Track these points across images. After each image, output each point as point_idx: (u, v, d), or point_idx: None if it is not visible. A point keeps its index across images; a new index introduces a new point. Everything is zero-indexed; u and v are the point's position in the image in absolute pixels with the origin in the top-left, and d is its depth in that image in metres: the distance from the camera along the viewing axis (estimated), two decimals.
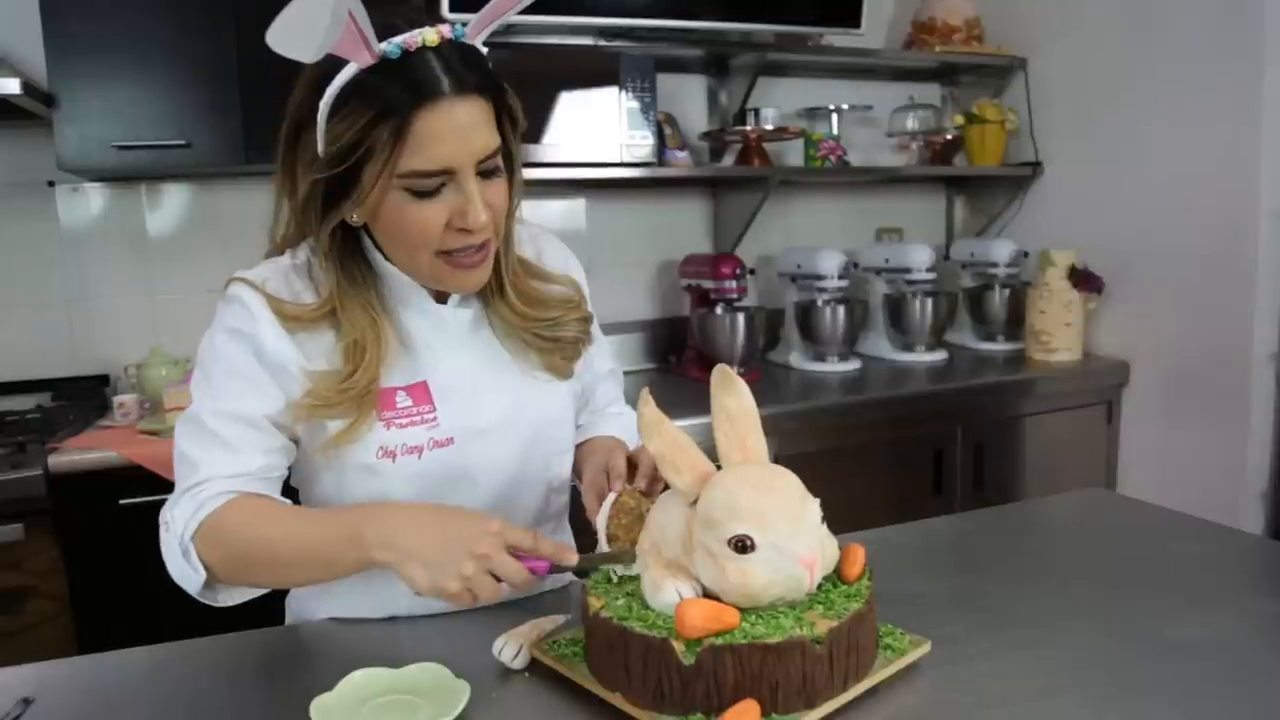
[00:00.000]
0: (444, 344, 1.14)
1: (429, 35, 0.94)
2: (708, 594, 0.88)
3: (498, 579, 0.93)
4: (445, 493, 1.12)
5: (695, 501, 0.89)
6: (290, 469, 1.14)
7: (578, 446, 1.29)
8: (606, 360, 1.37)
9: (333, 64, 0.93)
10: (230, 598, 1.08)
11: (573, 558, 0.97)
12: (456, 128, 0.95)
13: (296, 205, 1.03)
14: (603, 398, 1.38)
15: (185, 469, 1.05)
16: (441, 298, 1.15)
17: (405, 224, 0.99)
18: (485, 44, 1.02)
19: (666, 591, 0.87)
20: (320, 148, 0.98)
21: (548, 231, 1.30)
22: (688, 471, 0.90)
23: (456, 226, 0.99)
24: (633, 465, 1.17)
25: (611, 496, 1.07)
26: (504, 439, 1.16)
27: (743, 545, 0.84)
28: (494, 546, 0.92)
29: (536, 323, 1.16)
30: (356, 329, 1.05)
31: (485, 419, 1.14)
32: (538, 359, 1.18)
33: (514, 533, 0.94)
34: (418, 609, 1.13)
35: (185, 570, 1.03)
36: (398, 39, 0.93)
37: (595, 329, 1.30)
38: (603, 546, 1.05)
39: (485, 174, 1.00)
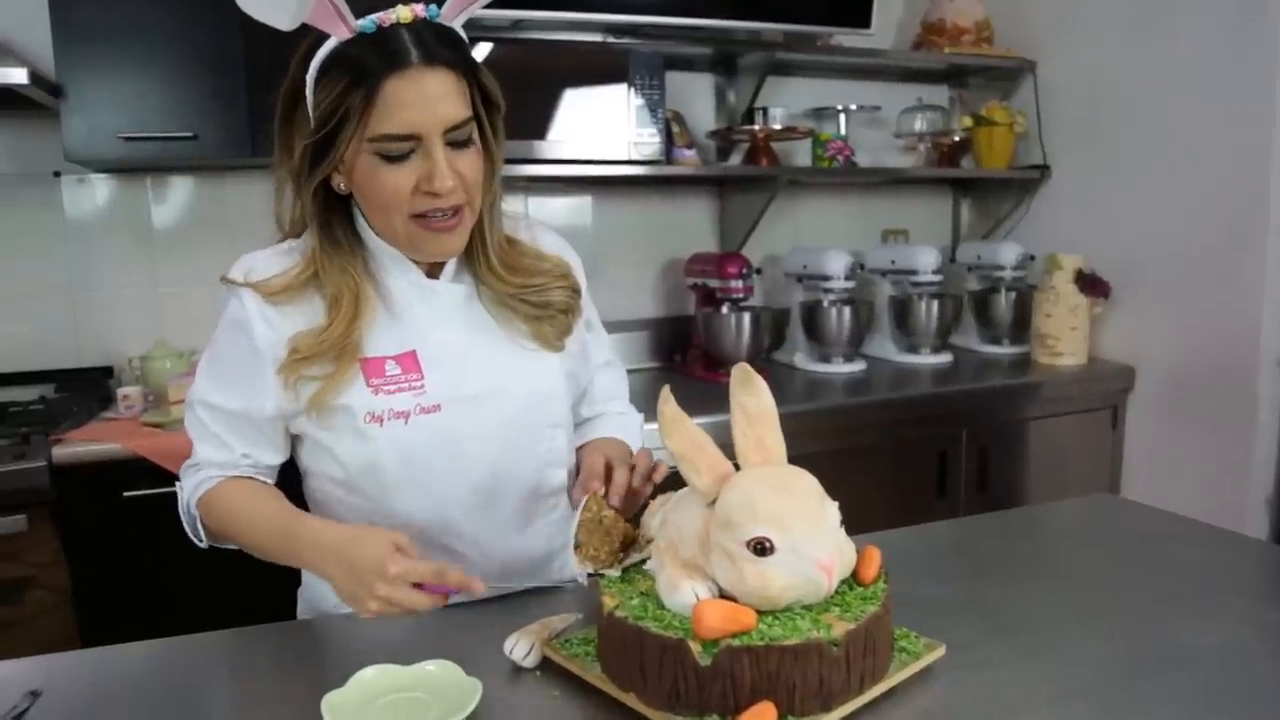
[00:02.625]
0: (434, 316, 1.17)
1: (402, 13, 1.02)
2: (723, 595, 0.87)
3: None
4: (435, 461, 1.15)
5: (714, 502, 0.88)
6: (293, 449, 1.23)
7: (579, 448, 1.30)
8: (604, 352, 1.39)
9: (320, 39, 1.03)
10: (235, 547, 1.19)
11: (479, 587, 1.01)
12: (423, 96, 1.02)
13: (292, 170, 1.10)
14: (601, 391, 1.38)
15: (192, 448, 1.19)
16: (434, 273, 1.18)
17: (378, 187, 1.06)
18: (494, 40, 1.11)
19: (683, 592, 0.86)
20: (310, 114, 1.06)
21: (546, 225, 1.33)
22: (707, 472, 0.89)
23: (424, 190, 1.05)
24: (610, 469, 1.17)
25: (582, 503, 1.07)
26: (491, 407, 1.18)
27: (762, 548, 0.84)
28: (391, 589, 0.97)
29: (524, 289, 1.20)
30: (334, 285, 1.11)
31: (473, 387, 1.17)
32: (526, 328, 1.21)
33: (416, 570, 0.98)
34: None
35: (191, 532, 1.19)
36: (374, 15, 1.02)
37: (594, 318, 1.34)
38: (570, 553, 1.04)
39: (455, 144, 1.06)
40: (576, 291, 1.26)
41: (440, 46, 1.03)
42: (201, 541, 1.18)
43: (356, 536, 1.03)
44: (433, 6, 1.05)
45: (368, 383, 1.12)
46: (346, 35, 1.01)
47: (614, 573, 1.00)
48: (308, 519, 1.11)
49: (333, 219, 1.14)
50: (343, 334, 1.10)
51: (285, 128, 1.10)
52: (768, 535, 0.83)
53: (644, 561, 0.98)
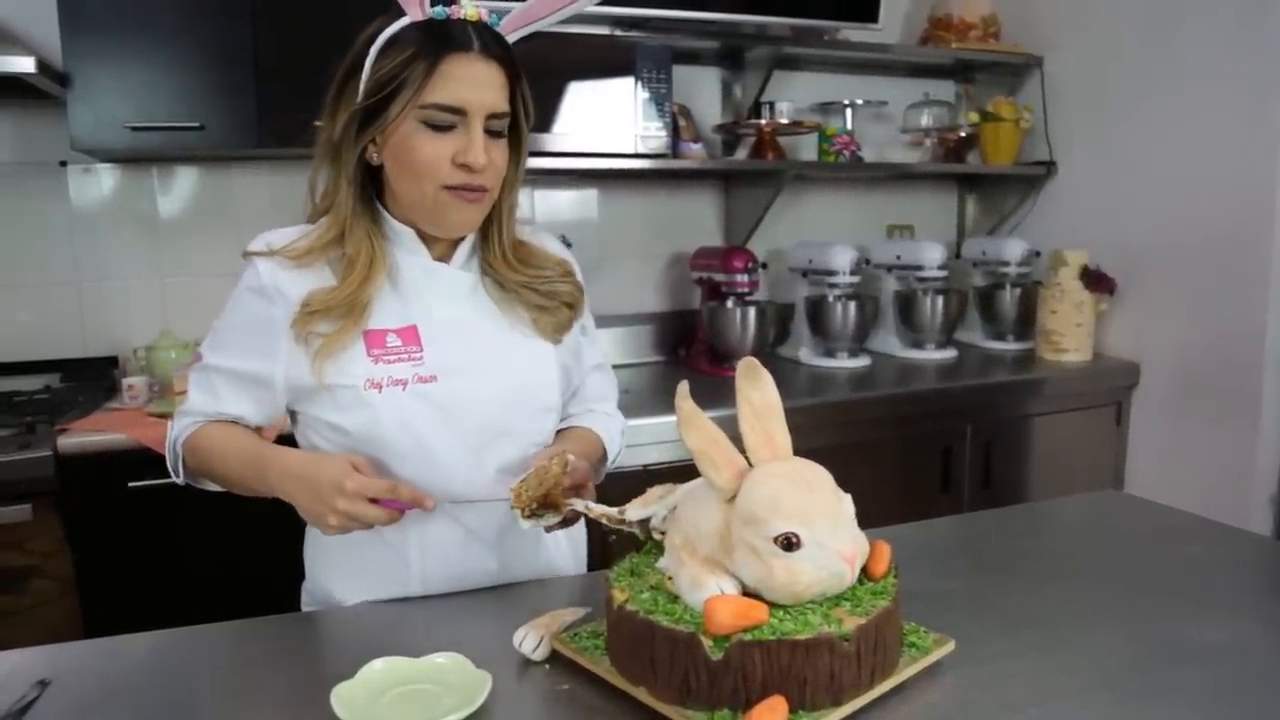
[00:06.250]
0: (438, 297, 1.24)
1: (470, 10, 1.16)
2: (746, 591, 0.87)
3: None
4: (430, 431, 1.19)
5: (732, 498, 0.88)
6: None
7: (558, 431, 1.34)
8: (597, 356, 1.43)
9: (384, 25, 1.15)
10: (211, 486, 1.28)
11: (429, 504, 1.12)
12: (476, 78, 1.14)
13: (334, 138, 1.17)
14: (594, 391, 1.42)
15: (188, 396, 1.26)
16: (442, 260, 1.25)
17: (417, 154, 1.14)
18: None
19: (708, 589, 0.86)
20: (362, 86, 1.15)
21: (550, 234, 1.40)
22: (725, 468, 0.89)
23: (459, 162, 1.14)
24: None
25: (540, 464, 1.13)
26: (487, 384, 1.23)
27: (789, 543, 0.84)
28: (349, 505, 1.07)
29: (532, 278, 1.27)
30: (354, 246, 1.18)
31: (470, 362, 1.22)
32: (527, 315, 1.27)
33: (371, 486, 1.08)
34: (432, 589, 1.21)
35: (171, 470, 1.29)
36: (446, 6, 1.15)
37: (590, 323, 1.40)
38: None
39: (491, 132, 1.16)
40: (580, 288, 1.33)
41: (495, 45, 1.16)
42: (179, 479, 1.27)
43: (317, 459, 1.14)
44: (494, 16, 1.18)
45: (368, 352, 1.18)
46: (420, 17, 1.14)
47: (524, 523, 1.11)
48: (276, 447, 1.19)
49: (365, 195, 1.21)
50: (354, 292, 1.16)
51: (337, 98, 1.18)
52: (794, 530, 0.84)
53: (562, 521, 1.13)
